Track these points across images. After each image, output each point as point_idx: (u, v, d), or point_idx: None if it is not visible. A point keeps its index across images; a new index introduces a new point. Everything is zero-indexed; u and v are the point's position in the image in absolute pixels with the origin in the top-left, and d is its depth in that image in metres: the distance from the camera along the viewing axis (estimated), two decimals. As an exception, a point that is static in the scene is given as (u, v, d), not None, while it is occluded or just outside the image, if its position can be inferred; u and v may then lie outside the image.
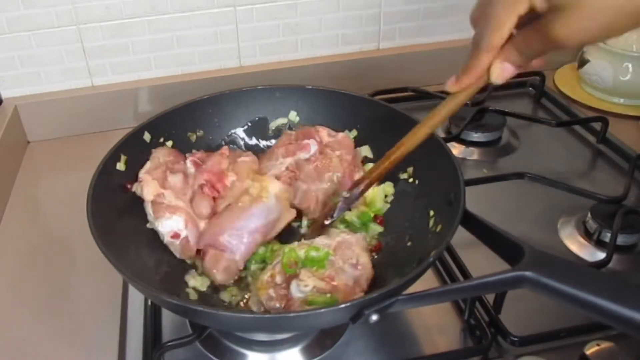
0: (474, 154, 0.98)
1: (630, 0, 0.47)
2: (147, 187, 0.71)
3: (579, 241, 0.78)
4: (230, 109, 0.82)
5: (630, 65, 1.03)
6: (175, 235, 0.69)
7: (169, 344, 0.61)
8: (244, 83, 0.85)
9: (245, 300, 0.67)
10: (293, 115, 0.84)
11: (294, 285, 0.61)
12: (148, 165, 0.74)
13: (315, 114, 0.83)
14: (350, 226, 0.74)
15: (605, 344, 0.61)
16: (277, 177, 0.75)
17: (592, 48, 1.07)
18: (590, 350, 0.60)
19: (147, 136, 0.76)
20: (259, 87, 0.82)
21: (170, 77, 1.05)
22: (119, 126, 1.01)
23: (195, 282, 0.68)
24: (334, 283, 0.61)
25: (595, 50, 1.06)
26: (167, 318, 0.69)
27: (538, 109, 1.10)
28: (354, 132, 0.82)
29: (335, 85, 0.82)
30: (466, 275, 0.71)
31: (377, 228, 0.74)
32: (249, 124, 0.84)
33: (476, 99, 1.03)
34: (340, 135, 0.79)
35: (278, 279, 0.64)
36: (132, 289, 0.72)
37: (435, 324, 0.68)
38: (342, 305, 0.51)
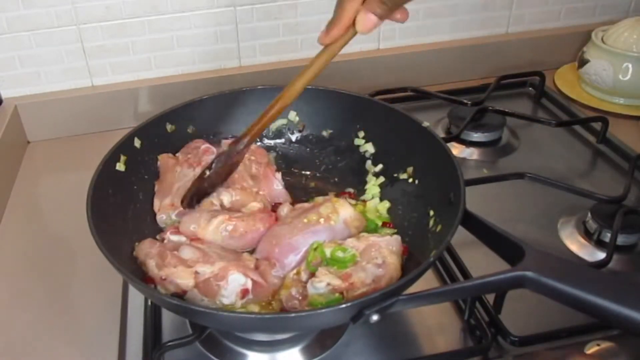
0: (474, 154, 0.97)
1: None
2: (179, 279, 0.62)
3: (579, 241, 0.78)
4: (230, 110, 0.82)
5: (630, 65, 1.03)
6: (245, 292, 0.62)
7: (169, 344, 0.61)
8: (244, 83, 0.85)
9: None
10: (293, 116, 0.84)
11: (309, 282, 0.61)
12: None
13: (315, 114, 0.83)
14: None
15: (605, 344, 0.61)
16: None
17: (592, 48, 1.07)
18: (590, 350, 0.60)
19: (145, 138, 0.76)
20: (259, 87, 0.82)
21: (170, 77, 1.04)
22: (119, 126, 1.01)
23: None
24: (351, 281, 0.60)
25: (595, 50, 1.06)
26: (167, 318, 0.69)
27: (538, 109, 1.10)
28: (362, 133, 0.82)
29: (335, 85, 0.82)
30: (466, 275, 0.71)
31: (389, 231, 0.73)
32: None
33: (476, 99, 1.03)
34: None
35: (303, 275, 0.64)
36: (132, 289, 0.72)
37: (435, 324, 0.68)
38: (342, 306, 0.51)
